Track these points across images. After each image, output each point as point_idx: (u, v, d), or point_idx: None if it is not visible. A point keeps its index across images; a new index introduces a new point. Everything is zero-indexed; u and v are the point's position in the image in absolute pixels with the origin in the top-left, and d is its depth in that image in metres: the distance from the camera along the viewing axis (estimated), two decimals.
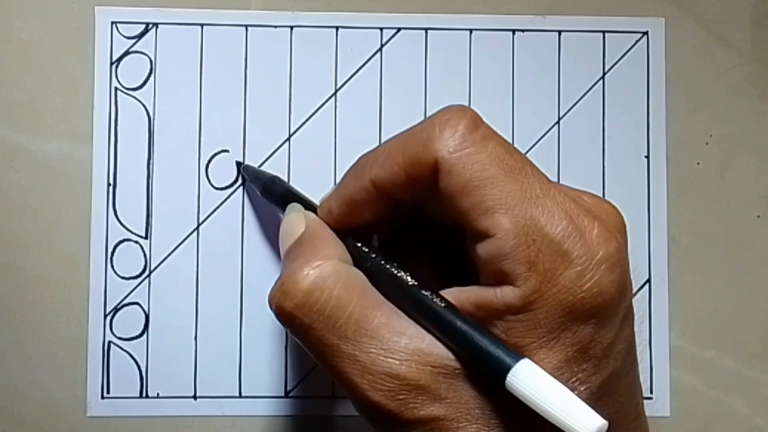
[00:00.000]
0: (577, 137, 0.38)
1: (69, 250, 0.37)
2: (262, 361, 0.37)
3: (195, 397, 0.37)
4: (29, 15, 0.37)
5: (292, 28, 0.38)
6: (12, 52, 0.37)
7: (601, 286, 0.26)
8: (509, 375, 0.26)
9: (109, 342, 0.37)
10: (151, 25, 0.38)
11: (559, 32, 0.38)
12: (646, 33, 0.39)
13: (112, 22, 0.38)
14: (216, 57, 0.38)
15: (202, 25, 0.38)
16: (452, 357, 0.27)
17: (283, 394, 0.37)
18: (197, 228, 0.37)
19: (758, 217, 0.38)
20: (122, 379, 0.37)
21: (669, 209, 0.38)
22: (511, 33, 0.38)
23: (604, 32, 0.39)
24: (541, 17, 0.38)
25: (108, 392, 0.37)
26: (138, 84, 0.38)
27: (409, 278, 0.29)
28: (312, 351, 0.29)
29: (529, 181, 0.27)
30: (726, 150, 0.39)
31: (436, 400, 0.27)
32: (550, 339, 0.26)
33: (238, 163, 0.37)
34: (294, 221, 0.32)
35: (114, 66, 0.37)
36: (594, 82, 0.38)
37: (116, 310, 0.37)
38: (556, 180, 0.38)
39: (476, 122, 0.28)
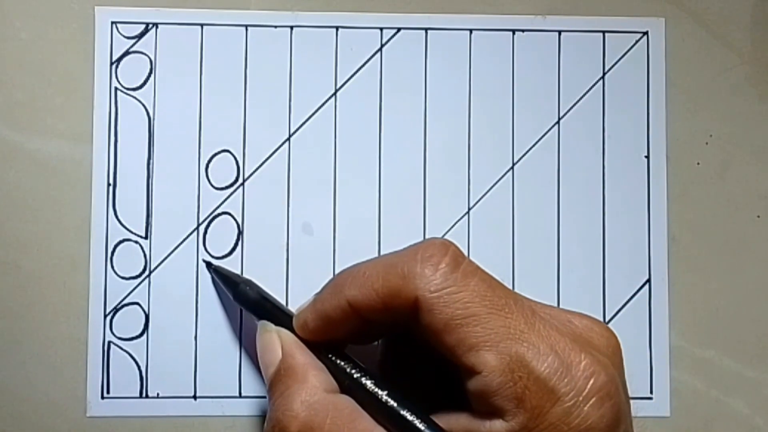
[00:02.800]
0: (577, 137, 0.38)
1: (69, 250, 0.37)
2: None
3: (195, 397, 0.37)
4: (29, 15, 0.37)
5: (292, 28, 0.38)
6: (12, 52, 0.37)
7: (589, 422, 0.26)
8: None
9: (109, 342, 0.37)
10: (151, 25, 0.38)
11: (559, 32, 0.38)
12: (646, 33, 0.39)
13: (112, 22, 0.38)
14: (216, 57, 0.38)
15: (202, 25, 0.38)
16: None
17: None
18: (197, 228, 0.37)
19: (758, 217, 0.38)
20: (122, 379, 0.37)
21: (669, 209, 0.38)
22: (511, 33, 0.38)
23: (604, 32, 0.39)
24: (541, 17, 0.38)
25: (108, 392, 0.37)
26: (138, 84, 0.38)
27: (388, 398, 0.29)
28: None
29: (513, 317, 0.28)
30: (726, 150, 0.39)
31: None
32: None
33: (208, 264, 0.37)
34: (270, 346, 0.32)
35: (114, 66, 0.37)
36: (594, 82, 0.38)
37: (116, 310, 0.37)
38: (555, 181, 0.38)
39: (458, 259, 0.29)
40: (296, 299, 0.37)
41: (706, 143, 0.39)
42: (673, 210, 0.38)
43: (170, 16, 0.38)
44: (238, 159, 0.38)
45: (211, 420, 0.37)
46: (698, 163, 0.38)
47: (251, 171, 0.38)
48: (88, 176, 0.37)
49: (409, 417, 0.29)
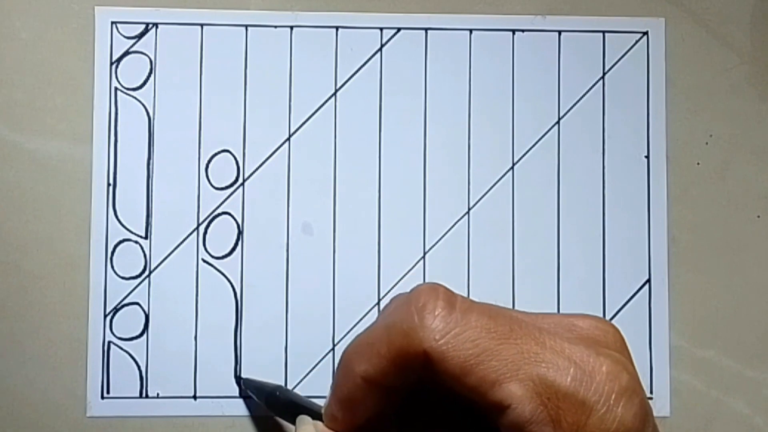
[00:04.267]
0: (577, 137, 0.38)
1: (69, 250, 0.37)
2: (262, 361, 0.37)
3: (195, 397, 0.37)
4: (29, 15, 0.37)
5: (292, 28, 0.38)
6: (12, 52, 0.37)
7: (626, 424, 0.26)
8: None
9: (109, 342, 0.37)
10: (151, 25, 0.38)
11: (559, 32, 0.38)
12: (646, 33, 0.39)
13: (112, 22, 0.38)
14: (216, 57, 0.38)
15: (202, 25, 0.38)
16: None
17: None
18: (197, 228, 0.37)
19: (758, 217, 0.38)
20: (122, 379, 0.37)
21: (669, 209, 0.38)
22: (511, 33, 0.38)
23: (604, 32, 0.39)
24: (541, 17, 0.38)
25: (108, 392, 0.37)
26: (138, 84, 0.38)
27: None
28: None
29: (523, 341, 0.27)
30: (726, 150, 0.39)
31: None
32: None
33: (238, 378, 0.37)
34: None
35: (114, 66, 0.37)
36: (594, 82, 0.38)
37: (116, 310, 0.37)
38: (555, 181, 0.38)
39: (450, 299, 0.28)
40: (296, 299, 0.37)
41: (706, 143, 0.39)
42: (673, 210, 0.38)
43: (170, 16, 0.38)
44: (238, 159, 0.38)
45: (211, 420, 0.37)
46: (698, 163, 0.38)
47: (251, 171, 0.38)
48: (88, 176, 0.37)
49: None
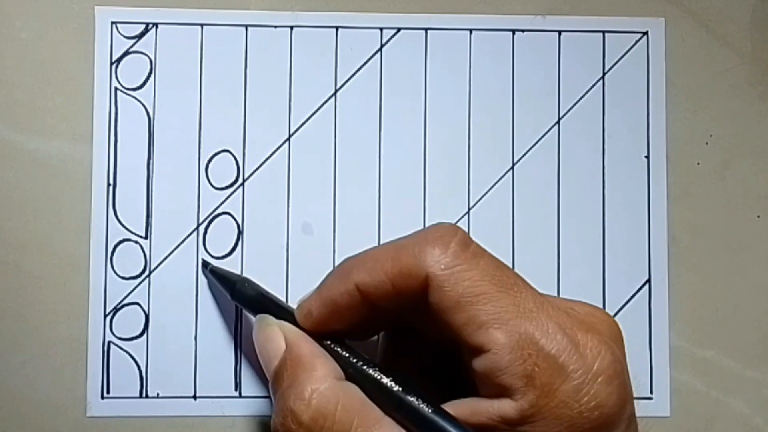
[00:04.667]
0: (577, 137, 0.38)
1: (69, 250, 0.37)
2: None
3: (195, 397, 0.37)
4: (29, 15, 0.37)
5: (292, 28, 0.38)
6: (12, 52, 0.37)
7: (599, 400, 0.27)
8: None
9: (109, 342, 0.37)
10: (151, 25, 0.38)
11: (559, 32, 0.38)
12: (646, 33, 0.39)
13: (112, 22, 0.38)
14: (216, 57, 0.38)
15: (202, 25, 0.38)
16: None
17: None
18: (197, 228, 0.37)
19: (758, 217, 0.38)
20: (122, 379, 0.37)
21: (669, 209, 0.38)
22: (511, 33, 0.38)
23: (604, 32, 0.39)
24: (541, 17, 0.38)
25: (108, 392, 0.37)
26: (138, 84, 0.38)
27: (393, 383, 0.29)
28: None
29: (522, 296, 0.28)
30: (726, 150, 0.39)
31: None
32: None
33: (204, 264, 0.36)
34: (272, 337, 0.31)
35: (114, 66, 0.37)
36: (594, 82, 0.38)
37: (116, 310, 0.37)
38: (555, 181, 0.38)
39: (467, 240, 0.29)
40: (296, 299, 0.37)
41: (706, 143, 0.39)
42: (673, 210, 0.38)
43: (170, 16, 0.38)
44: (238, 159, 0.38)
45: (211, 420, 0.37)
46: (698, 163, 0.38)
47: (251, 171, 0.38)
48: (88, 176, 0.37)
49: (416, 402, 0.28)
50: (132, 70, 0.37)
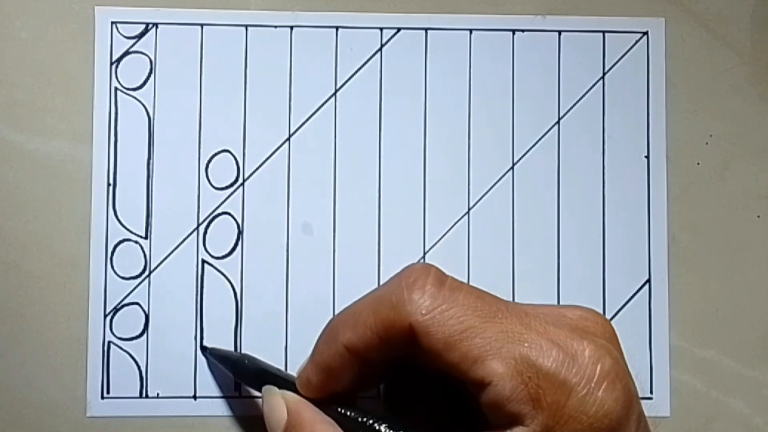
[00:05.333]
0: (577, 137, 0.38)
1: (69, 250, 0.37)
2: None
3: (195, 397, 0.37)
4: (29, 15, 0.37)
5: (292, 28, 0.38)
6: (12, 52, 0.37)
7: (606, 407, 0.26)
8: None
9: (109, 342, 0.37)
10: (151, 25, 0.38)
11: (559, 32, 0.38)
12: (646, 33, 0.39)
13: (112, 22, 0.38)
14: (216, 57, 0.38)
15: (202, 25, 0.38)
16: None
17: None
18: (197, 228, 0.37)
19: (758, 217, 0.38)
20: (122, 379, 0.37)
21: (669, 209, 0.38)
22: (511, 33, 0.38)
23: (604, 32, 0.39)
24: (541, 17, 0.38)
25: (108, 392, 0.37)
26: (138, 84, 0.38)
27: None
28: None
29: (508, 321, 0.28)
30: (726, 150, 0.38)
31: None
32: None
33: (203, 348, 0.36)
34: (275, 407, 0.31)
35: (114, 66, 0.37)
36: (594, 82, 0.38)
37: (116, 310, 0.37)
38: (555, 181, 0.38)
39: (441, 277, 0.29)
40: (296, 299, 0.37)
41: (706, 143, 0.39)
42: (673, 210, 0.38)
43: (170, 16, 0.38)
44: (238, 159, 0.38)
45: (211, 420, 0.37)
46: (698, 163, 0.38)
47: (251, 171, 0.38)
48: (88, 176, 0.37)
49: None
50: (132, 70, 0.37)
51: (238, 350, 0.37)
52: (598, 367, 0.27)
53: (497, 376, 0.27)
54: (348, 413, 0.30)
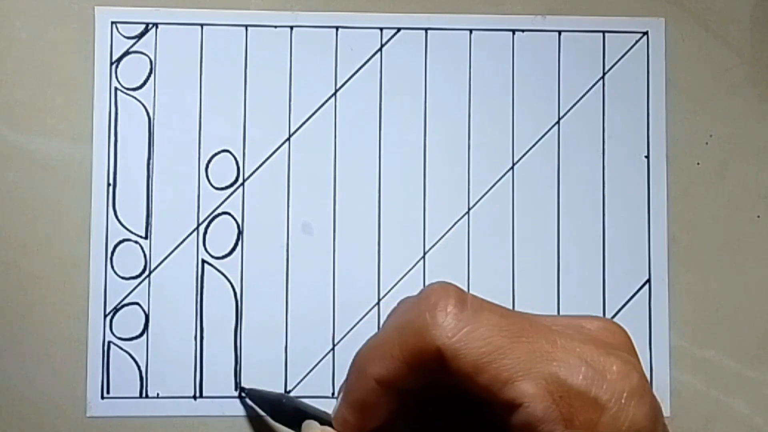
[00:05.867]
0: (577, 137, 0.38)
1: (69, 250, 0.37)
2: (262, 361, 0.37)
3: (195, 397, 0.37)
4: (29, 15, 0.37)
5: (292, 28, 0.38)
6: (12, 52, 0.37)
7: (637, 423, 0.26)
8: None
9: (109, 342, 0.37)
10: (151, 25, 0.38)
11: (559, 32, 0.38)
12: (646, 33, 0.39)
13: (112, 22, 0.38)
14: (216, 57, 0.38)
15: (202, 25, 0.38)
16: None
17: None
18: (197, 228, 0.37)
19: (758, 217, 0.38)
20: (122, 379, 0.37)
21: (669, 209, 0.38)
22: (511, 33, 0.38)
23: (604, 32, 0.39)
24: (541, 17, 0.38)
25: (108, 392, 0.37)
26: (138, 84, 0.38)
27: None
28: None
29: (535, 339, 0.27)
30: (726, 150, 0.38)
31: None
32: None
33: (242, 389, 0.37)
34: None
35: (114, 66, 0.37)
36: (594, 82, 0.38)
37: (116, 310, 0.37)
38: (554, 182, 0.38)
39: (462, 297, 0.28)
40: (296, 299, 0.37)
41: (706, 143, 0.39)
42: (673, 210, 0.38)
43: (170, 16, 0.38)
44: (238, 159, 0.38)
45: (211, 420, 0.37)
46: (698, 163, 0.38)
47: (251, 171, 0.38)
48: (88, 176, 0.37)
49: None
50: (132, 70, 0.37)
51: (239, 351, 0.37)
52: (627, 383, 0.27)
53: (528, 397, 0.26)
54: None
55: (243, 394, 0.36)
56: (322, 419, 0.32)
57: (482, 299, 0.29)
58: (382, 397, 0.29)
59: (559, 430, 0.26)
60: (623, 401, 0.26)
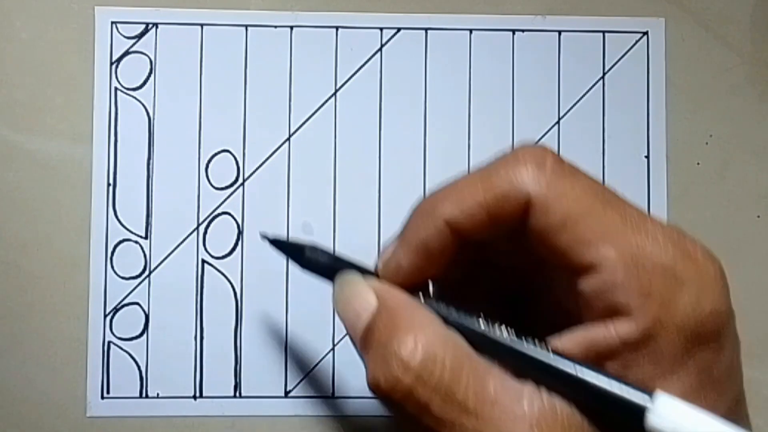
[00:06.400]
0: (577, 137, 0.38)
1: (69, 250, 0.37)
2: (262, 361, 0.37)
3: (195, 397, 0.37)
4: (29, 15, 0.37)
5: (292, 28, 0.38)
6: (12, 52, 0.37)
7: (718, 306, 0.25)
8: (649, 415, 0.24)
9: (109, 342, 0.37)
10: (151, 25, 0.38)
11: (559, 32, 0.38)
12: (646, 33, 0.39)
13: (112, 22, 0.38)
14: (216, 57, 0.38)
15: (202, 25, 0.38)
16: (576, 411, 0.25)
17: (282, 395, 0.37)
18: (197, 228, 0.37)
19: (758, 217, 0.38)
20: (122, 379, 0.37)
21: (669, 209, 0.38)
22: (511, 33, 0.38)
23: (604, 32, 0.39)
24: (541, 17, 0.38)
25: (108, 392, 0.37)
26: (138, 84, 0.38)
27: (504, 331, 0.26)
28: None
29: (627, 209, 0.26)
30: (726, 150, 0.38)
31: None
32: (674, 369, 0.25)
33: (263, 236, 0.33)
34: (360, 293, 0.28)
35: (114, 66, 0.37)
36: (594, 82, 0.38)
37: (116, 310, 0.37)
38: None
39: (560, 159, 0.27)
40: (296, 299, 0.37)
41: (706, 143, 0.39)
42: (673, 210, 0.38)
43: (170, 16, 0.38)
44: (238, 159, 0.38)
45: (211, 420, 0.37)
46: (698, 163, 0.38)
47: (251, 171, 0.38)
48: (88, 176, 0.37)
49: (532, 349, 0.26)
50: (132, 70, 0.38)
51: (239, 351, 0.37)
52: (711, 267, 0.25)
53: (610, 261, 0.25)
54: (440, 303, 0.27)
55: (270, 242, 0.33)
56: (362, 268, 0.29)
57: (580, 168, 0.27)
58: (446, 244, 0.27)
59: (635, 301, 0.25)
60: (705, 282, 0.25)
